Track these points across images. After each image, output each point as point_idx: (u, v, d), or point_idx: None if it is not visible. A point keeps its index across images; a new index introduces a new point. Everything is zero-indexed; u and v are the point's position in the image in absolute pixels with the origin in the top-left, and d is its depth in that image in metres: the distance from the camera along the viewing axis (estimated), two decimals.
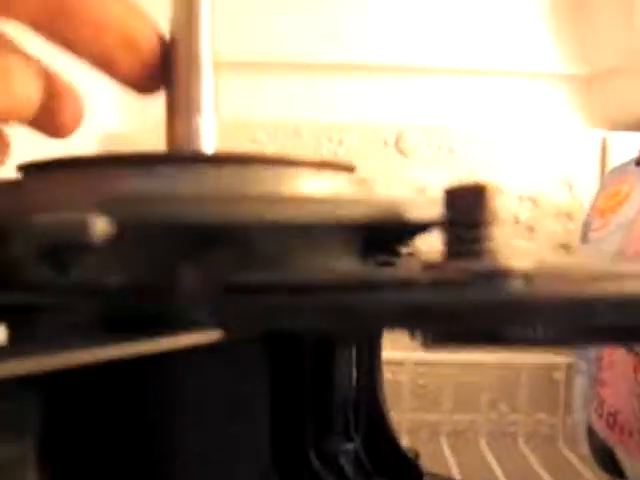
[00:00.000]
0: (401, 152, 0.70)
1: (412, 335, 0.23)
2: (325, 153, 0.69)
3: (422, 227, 0.27)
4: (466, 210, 0.23)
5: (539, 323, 0.22)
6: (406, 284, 0.22)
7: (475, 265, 0.22)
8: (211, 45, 0.33)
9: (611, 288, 0.22)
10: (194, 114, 0.31)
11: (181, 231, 0.21)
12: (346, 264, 0.26)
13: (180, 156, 0.27)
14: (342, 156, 0.69)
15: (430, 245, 0.29)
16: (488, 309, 0.21)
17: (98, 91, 0.68)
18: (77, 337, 0.22)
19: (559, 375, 0.68)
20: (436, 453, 0.62)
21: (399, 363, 0.64)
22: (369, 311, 0.20)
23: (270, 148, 0.68)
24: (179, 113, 0.31)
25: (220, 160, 0.24)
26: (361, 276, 0.23)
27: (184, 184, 0.23)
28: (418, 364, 0.66)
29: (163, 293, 0.22)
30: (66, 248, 0.19)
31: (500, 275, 0.22)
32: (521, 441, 0.67)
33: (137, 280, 0.22)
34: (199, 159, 0.26)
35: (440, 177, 0.68)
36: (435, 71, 0.73)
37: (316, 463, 0.34)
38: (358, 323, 0.21)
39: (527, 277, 0.22)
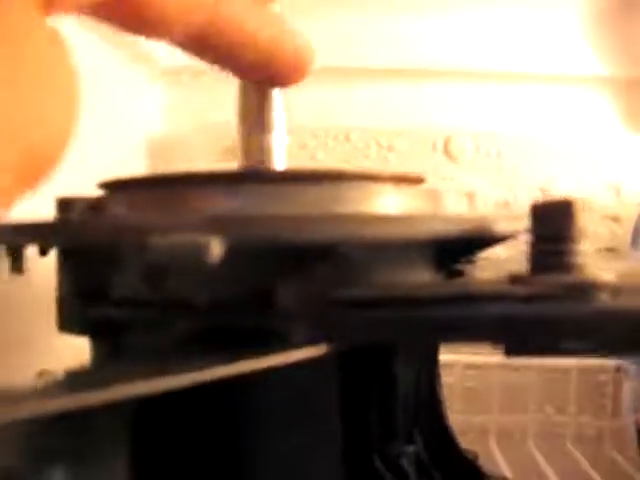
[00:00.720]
0: (449, 157, 0.70)
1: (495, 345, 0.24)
2: (374, 158, 0.70)
3: (497, 239, 0.28)
4: (554, 224, 0.23)
5: (624, 334, 0.23)
6: (499, 297, 0.23)
7: (563, 278, 0.23)
8: None
9: None
10: (266, 133, 0.32)
11: (283, 249, 0.22)
12: (430, 277, 0.27)
13: (267, 174, 0.28)
14: (392, 161, 0.69)
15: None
16: (576, 322, 0.22)
17: (142, 97, 0.71)
18: (175, 356, 0.23)
19: (606, 377, 0.67)
20: (485, 453, 0.63)
21: (449, 366, 0.65)
22: (468, 323, 0.21)
23: (320, 154, 0.69)
24: (252, 131, 0.32)
25: (306, 178, 0.25)
26: (456, 289, 0.23)
27: (276, 203, 0.24)
28: (467, 367, 0.67)
29: (263, 310, 0.23)
30: (183, 269, 0.20)
31: (589, 288, 0.23)
32: (568, 442, 0.67)
33: (237, 297, 0.23)
34: (285, 177, 0.27)
35: (488, 182, 0.68)
36: (482, 76, 0.73)
37: (380, 465, 0.35)
38: (456, 335, 0.22)
39: (614, 290, 0.23)
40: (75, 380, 0.20)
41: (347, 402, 0.33)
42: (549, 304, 0.22)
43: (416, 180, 0.31)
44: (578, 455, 0.64)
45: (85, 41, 0.54)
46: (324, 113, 0.69)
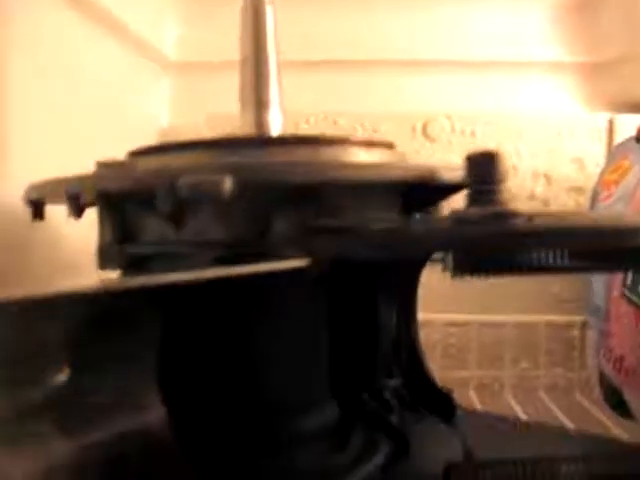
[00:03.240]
0: (428, 138, 0.76)
1: (444, 266, 0.31)
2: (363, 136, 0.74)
3: (450, 187, 0.35)
4: (483, 169, 0.30)
5: (537, 249, 0.29)
6: (439, 223, 0.30)
7: (490, 209, 0.30)
8: (276, 50, 0.42)
9: (588, 222, 0.30)
10: (264, 108, 0.39)
11: (278, 189, 0.29)
12: (394, 216, 0.34)
13: (268, 138, 0.35)
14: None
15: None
16: (498, 240, 0.29)
17: (152, 89, 0.77)
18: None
19: (575, 332, 0.73)
20: (466, 405, 0.69)
21: (430, 324, 0.72)
22: (412, 240, 0.28)
23: None
24: (250, 107, 0.39)
25: (300, 141, 0.33)
26: (406, 220, 0.31)
27: (276, 157, 0.31)
28: (447, 324, 0.73)
29: (263, 237, 0.30)
30: (203, 202, 0.27)
31: (509, 215, 0.30)
32: (542, 392, 0.73)
33: (243, 229, 0.31)
34: (284, 141, 0.34)
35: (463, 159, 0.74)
36: (456, 64, 0.79)
37: (366, 397, 0.41)
38: (406, 248, 0.29)
39: (529, 217, 0.30)
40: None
41: (334, 336, 0.40)
42: (476, 227, 0.29)
43: (385, 144, 0.38)
44: (551, 404, 0.69)
45: (94, 36, 0.60)
46: (315, 100, 0.73)
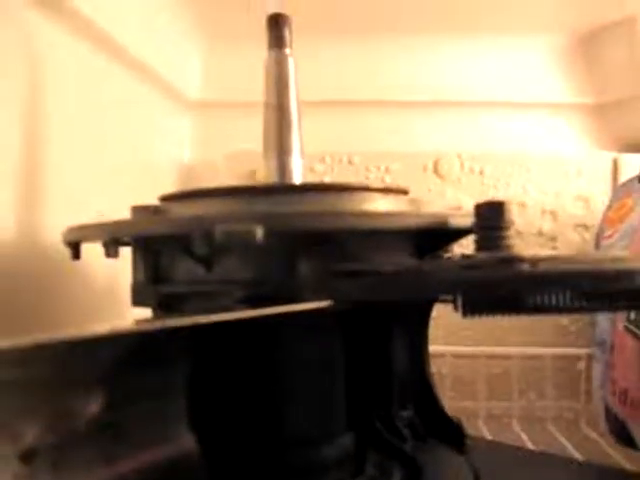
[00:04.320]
0: (439, 176, 0.78)
1: (455, 306, 0.33)
2: (374, 179, 0.77)
3: (460, 232, 0.37)
4: (491, 217, 0.33)
5: (542, 292, 0.32)
6: (449, 267, 0.32)
7: (497, 254, 0.32)
8: (297, 100, 0.44)
9: (590, 266, 0.32)
10: (286, 154, 0.42)
11: (302, 236, 0.32)
12: (408, 260, 0.37)
13: (294, 186, 0.38)
14: (389, 181, 0.77)
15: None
16: (505, 283, 0.31)
17: (173, 127, 0.80)
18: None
19: (581, 365, 0.75)
20: (475, 434, 0.70)
21: (440, 356, 0.74)
22: (426, 282, 0.31)
23: (327, 177, 0.76)
24: (273, 154, 0.42)
25: (323, 188, 0.35)
26: (420, 264, 0.33)
27: (302, 205, 0.33)
28: (455, 357, 0.75)
29: (289, 279, 0.33)
30: (237, 248, 0.30)
31: (515, 260, 0.32)
32: (549, 424, 0.74)
33: (270, 271, 0.33)
34: (309, 188, 0.37)
35: (471, 196, 0.75)
36: (465, 105, 0.82)
37: (380, 426, 0.43)
38: (420, 290, 0.31)
39: (533, 262, 0.32)
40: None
41: (350, 370, 0.42)
42: (484, 271, 0.31)
43: (401, 191, 0.41)
44: (558, 435, 0.70)
45: (118, 76, 0.63)
46: (330, 141, 0.76)
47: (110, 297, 0.54)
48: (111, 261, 0.39)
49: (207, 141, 0.83)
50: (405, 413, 0.47)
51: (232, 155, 0.77)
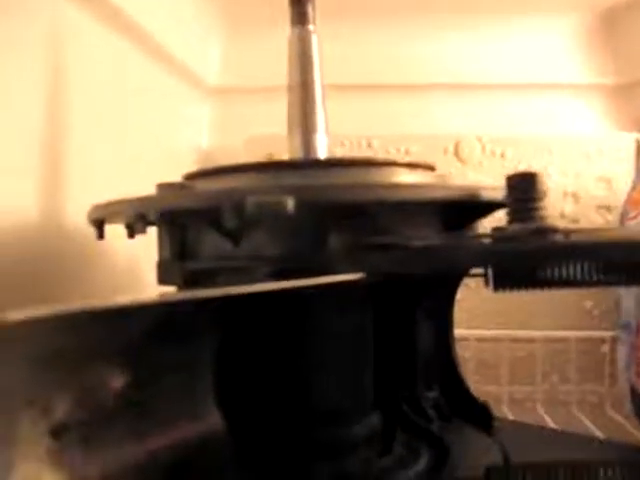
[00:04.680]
0: (459, 159, 0.77)
1: (486, 280, 0.32)
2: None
3: (490, 206, 0.37)
4: (522, 189, 0.32)
5: (575, 263, 0.31)
6: (481, 239, 0.32)
7: (530, 226, 0.32)
8: (321, 77, 0.44)
9: (622, 237, 0.31)
10: (311, 132, 0.41)
11: (333, 208, 0.31)
12: (438, 233, 0.36)
13: (322, 161, 0.38)
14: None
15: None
16: (538, 255, 0.31)
17: (193, 113, 0.80)
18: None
19: (605, 348, 0.74)
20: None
21: (464, 339, 0.73)
22: (458, 255, 0.31)
23: None
24: (298, 131, 0.42)
25: (351, 163, 0.35)
26: (450, 236, 0.33)
27: (331, 179, 0.33)
28: (479, 340, 0.75)
29: (319, 253, 0.32)
30: (269, 219, 0.29)
31: (548, 231, 0.31)
32: (573, 407, 0.74)
33: (301, 245, 0.33)
34: (337, 163, 0.36)
35: (493, 179, 0.75)
36: (487, 87, 0.81)
37: (406, 408, 0.43)
38: (450, 263, 0.31)
39: (567, 233, 0.32)
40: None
41: (377, 350, 0.42)
42: (517, 243, 0.31)
43: (428, 167, 0.40)
44: (583, 418, 0.70)
45: (140, 63, 0.63)
46: (349, 123, 0.73)
47: (134, 280, 0.54)
48: (134, 244, 0.39)
49: (226, 126, 0.83)
50: (431, 394, 0.47)
51: (251, 140, 0.76)
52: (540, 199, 0.33)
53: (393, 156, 0.77)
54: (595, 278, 0.31)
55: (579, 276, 0.31)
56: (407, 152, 0.77)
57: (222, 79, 0.83)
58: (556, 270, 0.31)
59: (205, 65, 0.81)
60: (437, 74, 0.82)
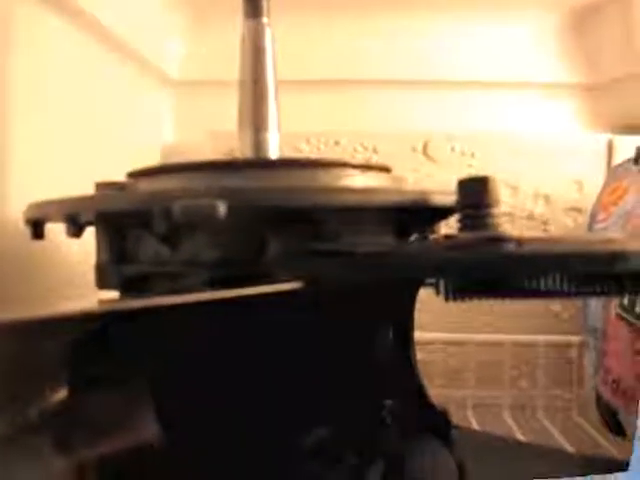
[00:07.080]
0: (428, 157, 0.76)
1: (437, 291, 0.31)
2: (361, 160, 0.74)
3: (444, 211, 0.35)
4: (474, 195, 0.31)
5: (527, 274, 0.30)
6: (430, 248, 0.30)
7: (481, 234, 0.30)
8: (274, 72, 0.42)
9: (577, 247, 0.30)
10: (262, 130, 0.40)
11: (272, 212, 0.29)
12: (388, 239, 0.35)
13: (265, 161, 0.36)
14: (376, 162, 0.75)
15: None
16: (489, 264, 0.30)
17: (156, 107, 0.78)
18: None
19: (572, 353, 0.73)
20: (464, 424, 0.68)
21: (430, 343, 0.72)
22: (404, 262, 0.29)
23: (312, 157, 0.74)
24: (248, 129, 0.40)
25: (296, 164, 0.33)
26: (398, 244, 0.31)
27: (273, 181, 0.31)
28: (446, 344, 0.73)
29: (258, 259, 0.31)
30: (199, 224, 0.28)
31: (499, 240, 0.30)
32: (540, 412, 0.73)
33: (237, 251, 0.31)
34: (281, 164, 0.35)
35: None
36: (456, 84, 0.80)
37: (359, 414, 0.42)
38: (398, 272, 0.29)
39: (519, 241, 0.30)
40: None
41: (330, 357, 0.40)
42: (467, 252, 0.30)
43: (382, 168, 0.39)
44: (548, 424, 0.69)
45: (98, 55, 0.61)
46: (315, 120, 0.74)
47: (80, 281, 0.52)
48: (81, 243, 0.37)
49: (189, 120, 0.81)
50: (388, 401, 0.46)
51: (215, 133, 0.75)
52: (492, 205, 0.31)
53: (361, 154, 0.76)
54: (550, 288, 0.30)
55: (534, 286, 0.30)
56: (375, 150, 0.76)
57: (186, 73, 0.82)
58: (510, 280, 0.30)
59: (167, 57, 0.80)
60: (407, 71, 0.80)
